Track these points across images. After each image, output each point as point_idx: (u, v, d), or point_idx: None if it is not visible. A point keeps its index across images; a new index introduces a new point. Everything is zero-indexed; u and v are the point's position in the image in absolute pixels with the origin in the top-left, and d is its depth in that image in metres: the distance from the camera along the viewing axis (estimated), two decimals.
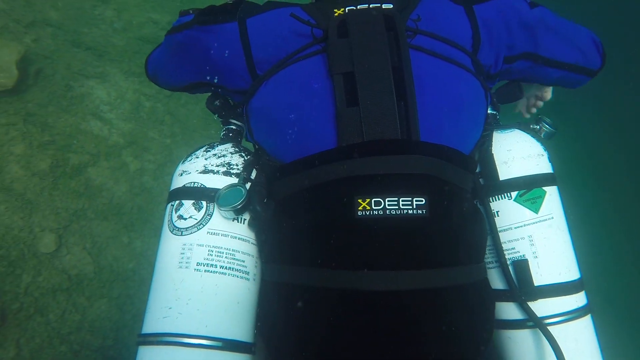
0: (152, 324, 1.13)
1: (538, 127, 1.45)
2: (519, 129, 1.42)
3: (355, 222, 1.03)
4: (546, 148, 1.38)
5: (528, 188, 1.30)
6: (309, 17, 1.19)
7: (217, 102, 1.43)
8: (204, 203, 1.20)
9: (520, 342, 1.26)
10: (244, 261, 1.19)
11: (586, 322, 1.26)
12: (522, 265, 1.26)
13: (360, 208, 1.03)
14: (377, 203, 1.03)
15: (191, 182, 1.24)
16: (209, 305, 1.12)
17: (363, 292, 1.01)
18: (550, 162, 1.37)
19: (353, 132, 1.07)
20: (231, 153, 1.31)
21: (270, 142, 1.22)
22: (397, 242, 1.03)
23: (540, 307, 1.23)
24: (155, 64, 1.47)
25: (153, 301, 1.16)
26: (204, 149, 1.33)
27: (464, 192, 1.17)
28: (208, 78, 1.28)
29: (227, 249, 1.17)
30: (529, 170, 1.32)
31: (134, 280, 3.49)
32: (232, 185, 1.21)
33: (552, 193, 1.32)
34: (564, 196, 1.37)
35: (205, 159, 1.29)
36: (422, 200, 1.05)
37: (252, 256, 1.22)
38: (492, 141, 1.34)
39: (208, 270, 1.14)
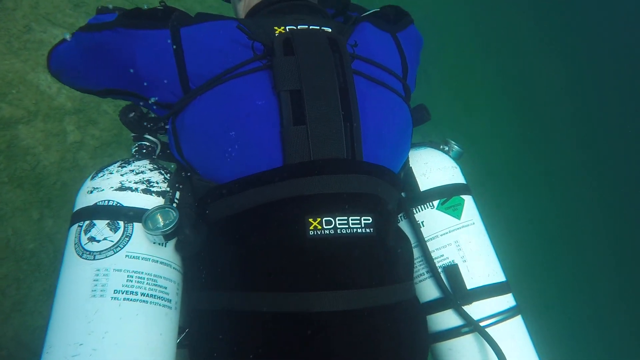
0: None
1: (447, 147, 1.53)
2: (430, 146, 1.52)
3: (306, 242, 1.03)
4: (457, 163, 1.50)
5: (448, 196, 1.39)
6: (249, 31, 1.14)
7: (132, 115, 1.28)
8: (121, 223, 1.10)
9: (462, 350, 1.29)
10: (166, 287, 1.11)
11: (518, 321, 1.32)
12: (453, 270, 1.31)
13: (311, 228, 1.03)
14: (328, 222, 1.04)
15: (105, 200, 1.12)
16: (129, 338, 1.01)
17: (315, 314, 1.00)
18: (462, 174, 1.47)
19: (300, 151, 1.06)
20: (150, 170, 1.21)
21: (205, 161, 1.15)
22: (348, 261, 1.05)
23: (475, 310, 1.28)
24: (61, 60, 1.32)
25: (57, 338, 1.01)
26: (118, 164, 1.21)
27: (395, 211, 1.24)
28: (128, 86, 1.18)
29: (149, 274, 1.08)
30: (446, 180, 1.41)
31: (29, 263, 3.06)
32: (161, 207, 1.12)
33: (469, 201, 1.41)
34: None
35: (121, 175, 1.17)
36: (369, 219, 1.08)
37: (174, 282, 1.15)
38: (408, 157, 1.41)
39: (128, 299, 1.04)
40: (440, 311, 1.31)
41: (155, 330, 1.06)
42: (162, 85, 1.14)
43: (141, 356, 1.02)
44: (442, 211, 1.37)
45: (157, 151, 1.35)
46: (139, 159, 1.26)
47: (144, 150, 1.32)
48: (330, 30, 1.20)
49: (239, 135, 1.09)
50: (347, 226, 1.05)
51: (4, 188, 3.03)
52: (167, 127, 1.21)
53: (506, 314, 1.30)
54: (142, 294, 1.06)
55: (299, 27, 1.18)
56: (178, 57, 1.11)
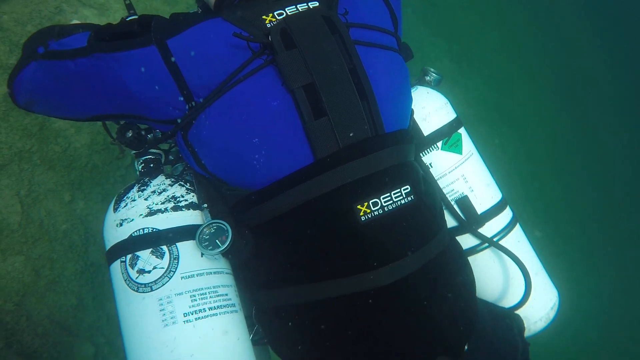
0: None
1: (428, 77, 1.61)
2: (419, 85, 1.60)
3: (360, 228, 1.06)
4: (446, 96, 1.59)
5: (448, 135, 1.50)
6: (240, 29, 1.09)
7: (130, 135, 1.24)
8: (165, 248, 1.10)
9: (480, 264, 1.47)
10: (227, 294, 1.14)
11: (518, 229, 1.55)
12: (464, 202, 1.48)
13: (361, 214, 1.06)
14: (375, 204, 1.07)
15: (139, 230, 1.11)
16: (214, 352, 1.06)
17: (381, 288, 1.07)
18: (452, 107, 1.57)
19: (328, 143, 1.07)
20: (170, 185, 1.20)
21: (233, 172, 1.14)
22: (400, 233, 1.10)
23: (486, 230, 1.48)
24: (29, 90, 1.21)
25: None
26: (135, 189, 1.19)
27: (419, 166, 1.28)
28: (124, 110, 1.14)
29: (208, 287, 1.11)
30: (444, 120, 1.52)
31: (62, 244, 3.12)
32: (211, 225, 1.11)
33: (464, 133, 1.54)
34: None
35: (145, 199, 1.16)
36: (407, 188, 1.12)
37: (231, 286, 1.18)
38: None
39: (199, 317, 1.06)
40: (457, 236, 1.44)
41: (233, 336, 1.10)
42: (164, 105, 1.10)
43: None
44: (446, 150, 1.50)
45: (163, 161, 1.32)
46: (153, 177, 1.23)
47: (151, 165, 1.28)
48: (317, 4, 1.16)
49: (263, 140, 1.07)
50: (391, 201, 1.09)
51: (37, 170, 3.08)
52: (174, 138, 1.19)
53: (510, 226, 1.51)
54: (210, 309, 1.08)
55: (287, 9, 1.13)
56: (174, 73, 1.05)
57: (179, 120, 1.11)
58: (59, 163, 3.17)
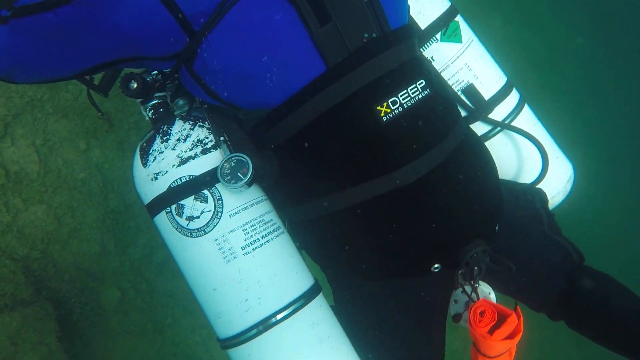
0: (235, 324, 1.13)
1: None
2: None
3: (383, 128, 1.08)
4: None
5: (445, 25, 1.47)
6: None
7: (134, 86, 1.19)
8: (206, 191, 1.14)
9: (494, 147, 1.47)
10: (272, 220, 1.20)
11: (527, 109, 1.57)
12: (471, 90, 1.48)
13: (382, 114, 1.07)
14: (394, 102, 1.08)
15: (176, 180, 1.14)
16: (277, 276, 1.14)
17: (416, 182, 1.10)
18: None
19: (338, 49, 1.06)
20: (190, 129, 1.20)
21: (247, 95, 1.12)
22: (422, 128, 1.11)
23: (495, 114, 1.50)
24: (5, 59, 1.10)
25: (220, 306, 1.15)
26: (159, 140, 1.19)
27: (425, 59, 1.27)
28: (123, 53, 1.09)
29: (255, 218, 1.16)
30: (439, 10, 1.48)
31: (81, 192, 3.14)
32: (229, 159, 1.12)
33: (461, 21, 1.51)
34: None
35: (173, 149, 1.17)
36: (422, 82, 1.13)
37: (272, 210, 1.23)
38: None
39: (255, 247, 1.14)
40: (470, 124, 1.46)
41: (287, 256, 1.19)
42: (161, 39, 1.05)
43: (292, 280, 1.17)
44: (445, 41, 1.48)
45: (168, 100, 1.29)
46: (172, 124, 1.21)
47: (161, 110, 1.26)
48: None
49: (272, 57, 1.06)
50: (409, 97, 1.10)
51: (50, 119, 3.04)
52: (176, 75, 1.17)
53: (518, 107, 1.53)
54: (262, 237, 1.15)
55: None
56: (169, 5, 1.00)
57: (180, 54, 1.07)
58: (71, 111, 3.12)
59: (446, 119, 1.19)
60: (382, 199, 1.11)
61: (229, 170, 1.11)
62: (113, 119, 3.28)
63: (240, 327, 1.12)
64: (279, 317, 1.11)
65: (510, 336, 1.13)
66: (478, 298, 1.22)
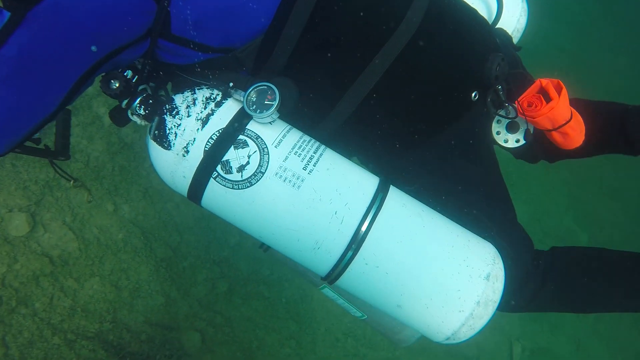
0: (337, 241, 1.09)
1: None
2: None
3: None
4: None
5: None
6: None
7: (117, 85, 1.13)
8: (242, 136, 1.10)
9: None
10: (310, 139, 1.18)
11: None
12: None
13: None
14: None
15: (208, 142, 1.10)
16: (348, 177, 1.14)
17: (414, 36, 1.15)
18: None
19: None
20: (192, 94, 1.16)
21: (234, 29, 1.14)
22: None
23: None
24: None
25: (315, 235, 1.10)
26: (169, 118, 1.15)
27: None
28: (100, 55, 1.03)
29: (298, 141, 1.14)
30: None
31: (126, 252, 3.09)
32: (250, 93, 1.11)
33: None
34: None
35: (188, 116, 1.13)
36: None
37: (304, 133, 1.21)
38: None
39: (315, 163, 1.12)
40: None
41: (344, 160, 1.18)
42: (132, 15, 1.03)
43: (364, 176, 1.17)
44: None
45: (150, 92, 1.23)
46: (170, 101, 1.17)
47: (150, 101, 1.18)
48: None
49: None
50: None
51: (71, 193, 2.99)
52: (148, 63, 1.14)
53: None
54: (314, 152, 1.13)
55: None
56: None
57: (153, 24, 1.06)
58: (87, 178, 3.06)
59: None
60: (402, 58, 1.14)
61: (254, 105, 1.10)
62: (128, 171, 3.21)
63: (345, 240, 1.09)
64: (371, 212, 1.09)
65: (559, 92, 1.22)
66: (515, 114, 1.27)
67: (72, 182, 1.38)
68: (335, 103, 1.18)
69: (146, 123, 1.21)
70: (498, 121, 1.36)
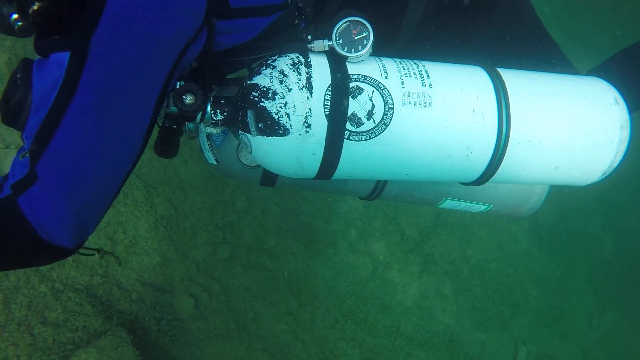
0: (487, 141, 1.11)
1: None
2: None
3: None
4: None
5: None
6: None
7: (189, 98, 1.03)
8: (351, 84, 1.06)
9: None
10: (401, 59, 1.17)
11: None
12: None
13: None
14: None
15: (324, 104, 1.05)
16: (461, 77, 1.14)
17: None
18: None
19: None
20: (273, 68, 1.08)
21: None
22: None
23: None
24: (63, 220, 0.90)
25: (467, 144, 1.11)
26: (269, 102, 1.05)
27: None
28: (170, 62, 0.97)
29: (397, 64, 1.12)
30: None
31: (126, 205, 2.95)
32: (338, 29, 1.08)
33: None
34: None
35: (289, 90, 1.05)
36: None
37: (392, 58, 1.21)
38: None
39: (428, 76, 1.11)
40: None
41: (442, 64, 1.19)
42: (186, 13, 0.98)
43: (473, 77, 1.15)
44: None
45: (214, 94, 1.15)
46: (257, 86, 1.08)
47: (222, 101, 1.11)
48: None
49: None
50: None
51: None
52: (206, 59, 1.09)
53: None
54: (419, 70, 1.11)
55: None
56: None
57: (208, 7, 1.02)
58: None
59: None
60: None
61: (345, 47, 1.08)
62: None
63: (492, 131, 1.10)
64: (502, 94, 1.11)
65: None
66: None
67: (97, 254, 1.25)
68: (402, 14, 1.20)
69: (221, 130, 1.15)
70: None
